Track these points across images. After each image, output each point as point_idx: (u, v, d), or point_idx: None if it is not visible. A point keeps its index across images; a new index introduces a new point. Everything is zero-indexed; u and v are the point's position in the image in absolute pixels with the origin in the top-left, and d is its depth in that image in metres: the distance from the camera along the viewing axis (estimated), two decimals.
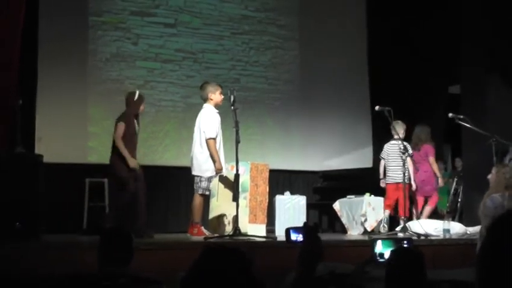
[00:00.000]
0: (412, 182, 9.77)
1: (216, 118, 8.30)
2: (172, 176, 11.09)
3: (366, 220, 9.80)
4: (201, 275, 2.19)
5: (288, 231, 3.20)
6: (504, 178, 7.00)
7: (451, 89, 12.99)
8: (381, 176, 10.10)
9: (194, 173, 8.32)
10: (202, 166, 8.23)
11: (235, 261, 2.22)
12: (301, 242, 3.01)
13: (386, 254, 3.87)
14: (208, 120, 8.23)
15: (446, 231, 8.70)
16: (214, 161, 8.17)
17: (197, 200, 8.29)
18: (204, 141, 8.24)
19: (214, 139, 8.19)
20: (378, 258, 3.91)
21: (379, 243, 3.93)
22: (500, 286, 1.69)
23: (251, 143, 11.50)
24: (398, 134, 9.56)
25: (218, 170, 8.23)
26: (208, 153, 8.24)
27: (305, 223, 3.11)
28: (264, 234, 8.73)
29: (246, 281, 2.18)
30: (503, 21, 10.84)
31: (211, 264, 2.20)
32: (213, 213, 9.24)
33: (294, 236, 3.15)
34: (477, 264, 1.77)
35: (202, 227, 8.28)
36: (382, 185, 10.07)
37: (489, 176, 7.25)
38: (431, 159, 10.12)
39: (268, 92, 12.23)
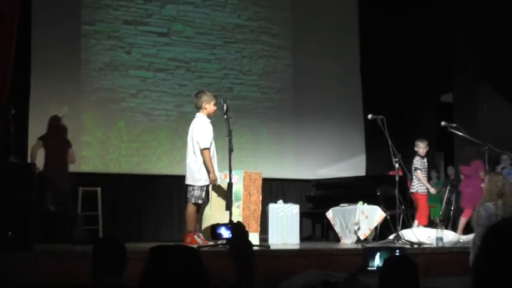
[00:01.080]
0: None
1: (209, 128, 8.28)
2: (166, 184, 11.09)
3: (359, 228, 9.80)
4: (151, 275, 2.21)
5: (213, 227, 3.18)
6: (496, 186, 6.99)
7: (444, 97, 13.04)
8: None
9: (187, 182, 8.31)
10: (195, 175, 8.21)
11: (182, 257, 2.24)
12: (229, 238, 3.02)
13: (379, 262, 3.87)
14: (201, 131, 8.20)
15: (440, 239, 8.70)
16: (208, 172, 8.15)
17: (190, 209, 8.28)
18: (198, 150, 8.21)
19: (208, 149, 8.17)
20: (370, 266, 3.91)
21: (374, 252, 3.94)
22: None
23: (244, 151, 11.51)
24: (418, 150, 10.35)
25: (213, 181, 8.20)
26: (201, 162, 8.21)
27: (230, 220, 3.16)
28: (257, 242, 8.72)
29: (193, 275, 2.20)
30: (493, 30, 10.90)
31: (160, 263, 2.22)
32: (206, 222, 9.22)
33: (224, 233, 3.13)
34: (472, 273, 1.78)
35: (196, 236, 8.26)
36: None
37: (482, 185, 7.26)
38: (482, 174, 10.36)
39: (261, 100, 12.24)
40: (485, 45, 10.94)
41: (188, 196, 8.29)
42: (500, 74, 10.93)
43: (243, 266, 2.87)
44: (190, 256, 2.27)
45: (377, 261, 3.95)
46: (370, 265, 3.88)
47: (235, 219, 8.39)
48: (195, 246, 7.95)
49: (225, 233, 3.11)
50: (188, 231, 8.23)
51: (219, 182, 8.49)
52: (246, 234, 2.99)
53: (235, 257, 2.87)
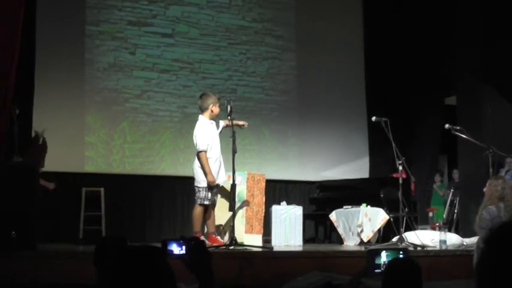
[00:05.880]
0: None
1: (208, 130, 8.26)
2: (169, 185, 11.10)
3: (362, 231, 9.79)
4: (116, 276, 2.20)
5: (164, 243, 3.02)
6: (496, 190, 7.06)
7: (447, 100, 13.02)
8: None
9: (194, 183, 8.33)
10: (199, 177, 8.22)
11: (145, 258, 2.23)
12: (182, 255, 2.91)
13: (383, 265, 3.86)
14: (199, 133, 8.20)
15: (443, 242, 8.69)
16: (205, 174, 8.13)
17: (196, 210, 8.27)
18: None
19: (205, 152, 8.16)
20: (374, 269, 3.89)
21: (378, 253, 3.92)
22: None
23: (248, 153, 11.51)
24: None
25: (210, 183, 8.16)
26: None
27: (182, 236, 3.03)
28: (260, 244, 8.72)
29: (156, 275, 2.19)
30: (498, 32, 10.88)
31: (124, 264, 2.21)
32: None
33: (175, 249, 3.00)
34: (476, 276, 1.77)
35: (203, 236, 8.26)
36: None
37: (485, 189, 7.31)
38: None
39: (265, 102, 12.24)
40: (489, 47, 10.92)
41: (195, 197, 8.30)
42: (505, 76, 10.91)
43: (203, 281, 2.83)
44: (154, 256, 2.26)
45: (379, 259, 3.92)
46: (376, 267, 3.85)
47: (238, 221, 8.41)
48: None
49: (176, 250, 2.98)
50: (194, 232, 8.23)
51: (221, 183, 8.47)
52: (202, 249, 2.92)
53: (192, 273, 2.83)
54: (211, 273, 2.82)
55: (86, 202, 9.98)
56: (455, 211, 12.01)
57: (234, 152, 7.97)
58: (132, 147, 11.00)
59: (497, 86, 11.01)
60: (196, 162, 8.27)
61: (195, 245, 2.89)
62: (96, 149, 10.74)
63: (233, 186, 8.07)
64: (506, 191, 7.06)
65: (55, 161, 9.59)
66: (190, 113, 10.82)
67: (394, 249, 4.03)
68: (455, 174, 13.15)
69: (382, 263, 3.85)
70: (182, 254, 2.91)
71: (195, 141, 8.24)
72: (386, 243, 9.17)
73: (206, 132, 8.21)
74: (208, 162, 8.13)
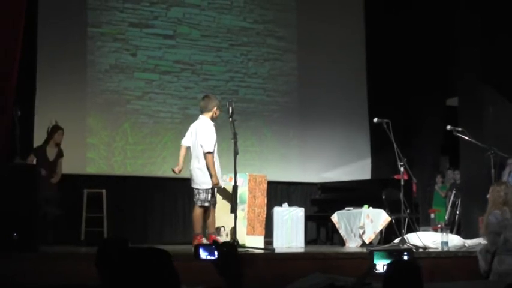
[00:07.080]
0: None
1: (213, 131, 8.27)
2: (170, 187, 11.09)
3: (364, 232, 9.78)
4: (121, 276, 2.20)
5: (197, 248, 3.09)
6: (499, 196, 7.13)
7: (449, 101, 13.01)
8: None
9: (193, 185, 8.30)
10: (200, 178, 8.20)
11: (152, 259, 2.23)
12: (213, 260, 2.96)
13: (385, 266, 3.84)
14: (206, 134, 8.18)
15: (445, 243, 8.68)
16: (211, 175, 8.13)
17: (196, 212, 8.27)
18: (201, 153, 8.19)
19: (212, 153, 8.16)
20: (377, 269, 3.88)
21: (378, 255, 3.91)
22: None
23: (249, 154, 11.51)
24: None
25: (215, 184, 8.17)
26: (204, 165, 8.18)
27: (215, 242, 3.12)
28: (262, 246, 8.71)
29: (162, 277, 2.20)
30: (499, 34, 10.88)
31: (130, 265, 2.21)
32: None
33: (202, 254, 3.05)
34: None
35: (204, 238, 8.25)
36: None
37: (488, 195, 7.37)
38: None
39: (267, 103, 12.24)
40: (491, 47, 10.91)
41: (194, 199, 8.28)
42: (506, 76, 10.90)
43: (231, 284, 2.86)
44: (161, 258, 2.26)
45: (378, 260, 3.91)
46: (378, 269, 3.85)
47: (239, 222, 8.40)
48: None
49: (203, 255, 3.03)
50: (195, 234, 8.23)
51: (223, 185, 8.49)
52: (233, 255, 2.96)
53: (221, 276, 2.86)
54: (240, 277, 2.86)
55: (87, 204, 9.98)
56: (457, 212, 12.00)
57: (236, 153, 7.97)
58: (133, 148, 11.00)
59: (497, 86, 11.00)
60: (196, 164, 8.24)
61: (227, 251, 2.95)
62: (98, 151, 10.75)
63: (235, 187, 8.06)
64: (509, 196, 7.13)
65: None
66: (192, 115, 10.78)
67: (397, 251, 4.01)
68: (457, 175, 13.11)
69: (377, 264, 3.85)
70: (214, 259, 2.97)
71: (199, 142, 8.20)
72: (388, 245, 9.16)
73: (212, 133, 8.22)
74: (214, 164, 8.13)
